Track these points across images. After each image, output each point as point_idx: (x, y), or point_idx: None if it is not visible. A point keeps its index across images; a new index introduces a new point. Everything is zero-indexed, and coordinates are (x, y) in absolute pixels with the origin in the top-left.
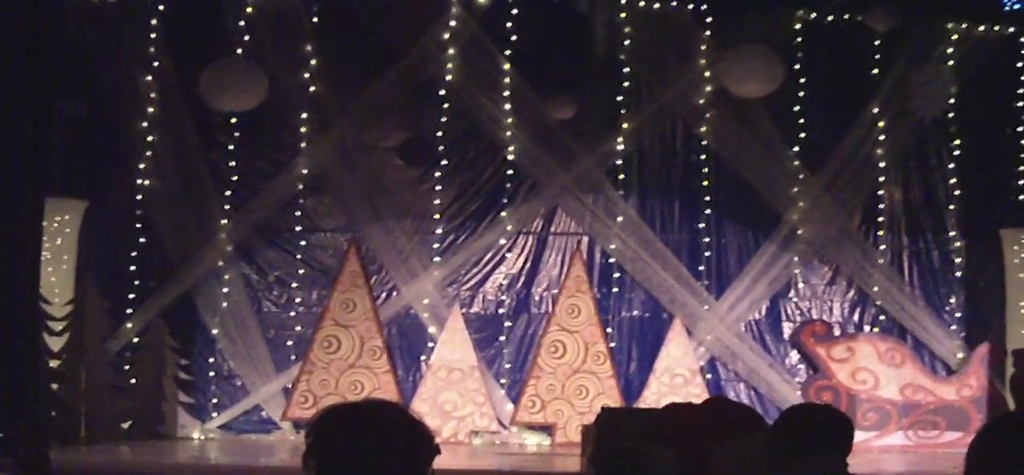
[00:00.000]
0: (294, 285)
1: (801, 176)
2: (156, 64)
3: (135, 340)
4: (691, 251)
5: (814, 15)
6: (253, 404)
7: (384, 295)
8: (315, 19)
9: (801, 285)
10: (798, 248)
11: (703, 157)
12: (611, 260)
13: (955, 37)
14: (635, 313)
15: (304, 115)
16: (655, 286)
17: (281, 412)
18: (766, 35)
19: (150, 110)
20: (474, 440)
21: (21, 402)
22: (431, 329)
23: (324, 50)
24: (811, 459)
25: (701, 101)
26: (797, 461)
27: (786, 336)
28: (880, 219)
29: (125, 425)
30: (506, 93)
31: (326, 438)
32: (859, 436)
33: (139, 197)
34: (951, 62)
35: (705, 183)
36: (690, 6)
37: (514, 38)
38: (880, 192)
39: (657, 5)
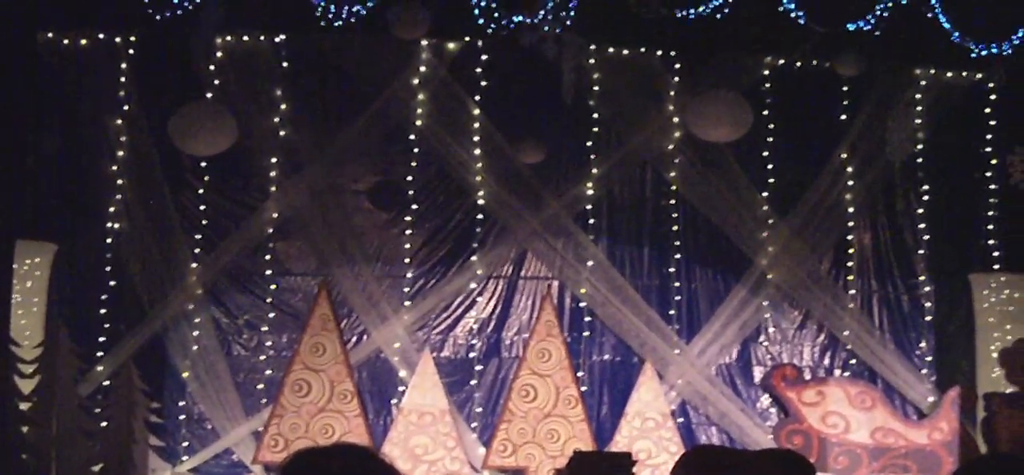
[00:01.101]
0: (264, 328)
1: (770, 221)
2: (125, 107)
3: (105, 383)
4: (661, 296)
5: (782, 61)
6: (223, 447)
7: (354, 339)
8: (285, 64)
9: (771, 329)
10: (768, 292)
11: (672, 202)
12: (581, 304)
13: (923, 83)
14: (606, 357)
15: (274, 159)
16: (625, 330)
17: (252, 456)
18: (734, 81)
19: (120, 153)
20: None
21: None
22: (402, 373)
23: (294, 95)
24: None
25: (670, 147)
26: None
27: (757, 380)
28: (850, 264)
29: (96, 468)
30: (475, 138)
31: None
32: None
33: (109, 240)
34: (919, 107)
35: (674, 228)
36: (659, 52)
37: (483, 83)
38: (849, 237)
39: (626, 51)
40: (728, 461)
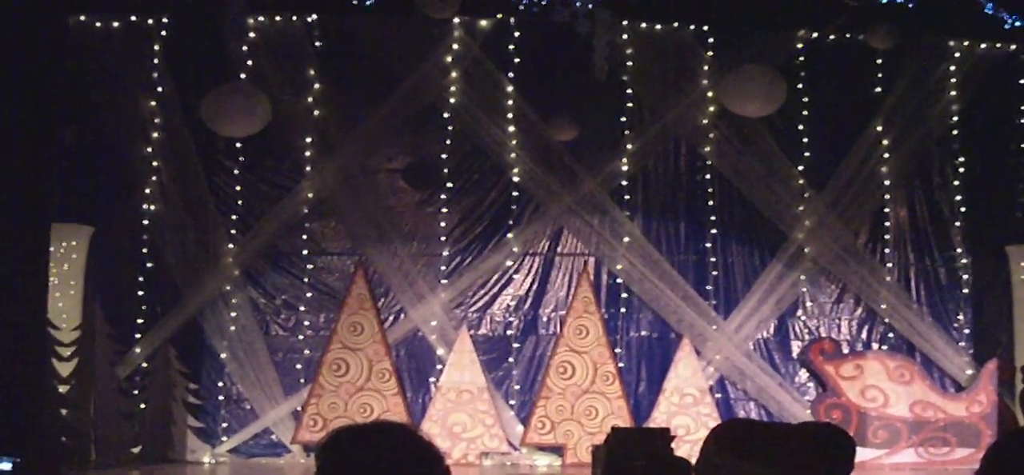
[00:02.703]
0: (302, 308)
1: (806, 195)
2: (159, 89)
3: (143, 365)
4: (697, 271)
5: (816, 35)
6: (263, 428)
7: (391, 318)
8: (317, 44)
9: (809, 303)
10: (805, 266)
11: (708, 177)
12: (618, 281)
13: (957, 55)
14: (643, 333)
15: (308, 139)
16: (662, 306)
17: (291, 435)
18: (768, 55)
19: (154, 135)
20: (484, 461)
21: (31, 428)
22: (439, 351)
23: (327, 75)
24: None
25: (704, 122)
26: None
27: (795, 355)
28: (886, 237)
29: (135, 450)
30: (509, 115)
31: (336, 460)
32: (870, 454)
33: (145, 222)
34: (953, 79)
35: (710, 203)
36: (692, 27)
37: (516, 61)
38: (886, 210)
39: (659, 27)
40: (762, 435)
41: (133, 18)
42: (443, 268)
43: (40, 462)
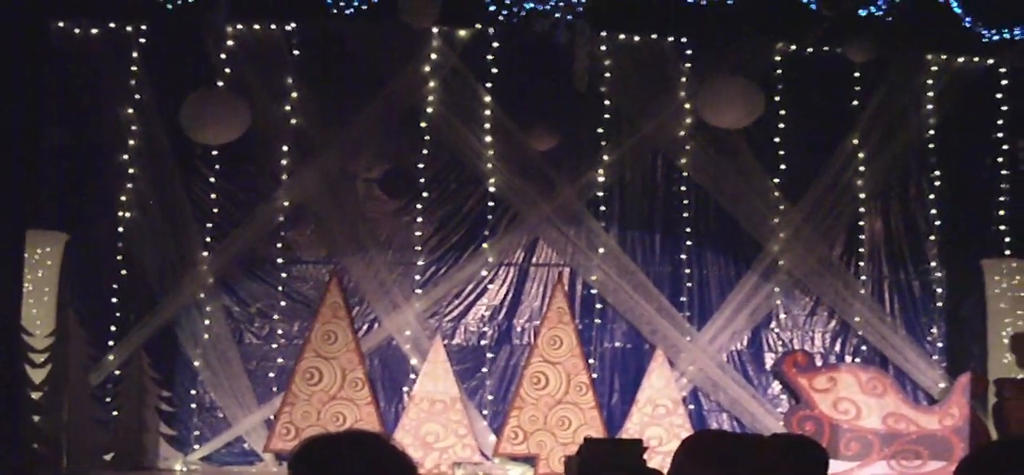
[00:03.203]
0: (276, 317)
1: (781, 207)
2: (137, 96)
3: (117, 372)
4: (672, 282)
5: (794, 47)
6: (235, 436)
7: (366, 327)
8: (296, 52)
9: (783, 315)
10: (779, 279)
11: (684, 188)
12: (593, 291)
13: (934, 69)
14: (617, 344)
15: (285, 147)
16: (637, 317)
17: (263, 444)
18: (746, 67)
19: (131, 142)
20: (457, 471)
21: (3, 434)
22: (413, 360)
23: (305, 82)
24: None
25: (681, 133)
26: None
27: (768, 366)
28: (861, 250)
29: (107, 457)
30: (487, 125)
31: (308, 469)
32: (842, 466)
33: (120, 229)
34: (930, 93)
35: (686, 214)
36: (670, 39)
37: (495, 71)
38: (861, 223)
39: (637, 38)
40: (733, 446)
41: (112, 25)
42: (418, 277)
43: (12, 468)
